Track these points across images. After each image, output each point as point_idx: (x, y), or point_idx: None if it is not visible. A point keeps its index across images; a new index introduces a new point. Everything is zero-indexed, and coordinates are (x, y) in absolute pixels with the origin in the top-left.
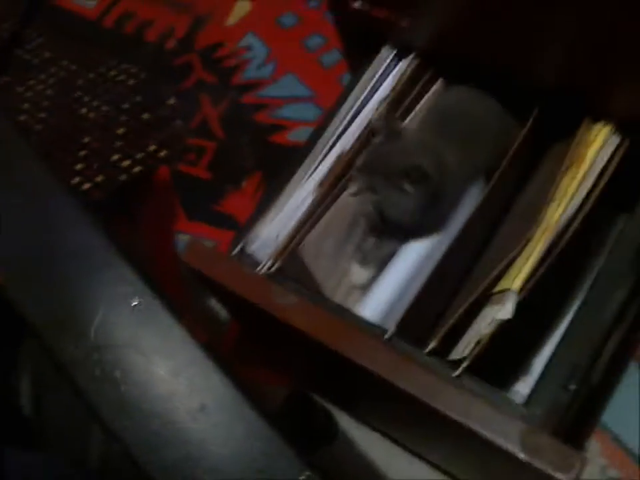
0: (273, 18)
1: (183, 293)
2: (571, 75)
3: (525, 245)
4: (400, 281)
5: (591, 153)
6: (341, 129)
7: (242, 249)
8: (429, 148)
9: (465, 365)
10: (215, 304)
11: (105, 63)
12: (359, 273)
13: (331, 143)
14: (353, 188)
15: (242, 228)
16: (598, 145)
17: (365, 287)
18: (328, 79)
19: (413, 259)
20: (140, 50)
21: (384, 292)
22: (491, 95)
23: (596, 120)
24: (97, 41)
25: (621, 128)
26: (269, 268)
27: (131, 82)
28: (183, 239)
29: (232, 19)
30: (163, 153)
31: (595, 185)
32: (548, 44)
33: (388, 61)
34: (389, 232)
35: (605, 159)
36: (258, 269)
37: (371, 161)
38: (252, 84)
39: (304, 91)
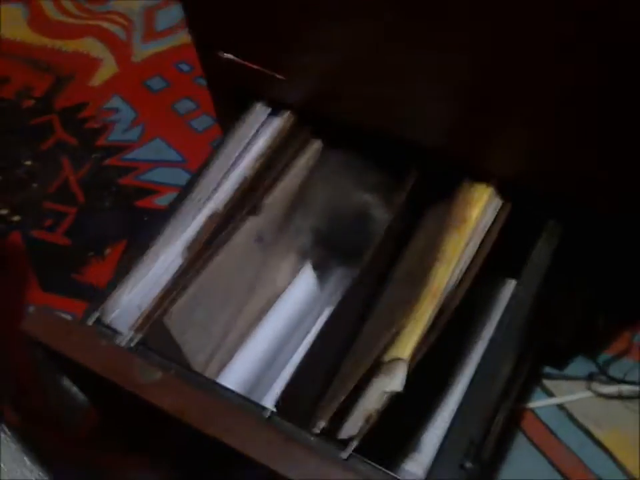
0: (140, 80)
1: (35, 374)
2: (448, 136)
3: (414, 310)
4: (265, 349)
5: (474, 214)
6: (212, 187)
7: (98, 319)
8: None
9: (353, 445)
10: (70, 385)
11: None
12: None
13: (201, 202)
14: None
15: (98, 294)
16: (481, 207)
17: None
18: (199, 143)
19: (279, 323)
20: None
21: (249, 358)
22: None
23: (478, 181)
24: None
25: (502, 190)
26: (130, 340)
27: None
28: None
29: (96, 80)
30: (15, 218)
31: (480, 248)
32: (421, 103)
33: (263, 117)
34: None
35: (489, 221)
36: (117, 341)
37: None
38: (117, 147)
39: (174, 156)
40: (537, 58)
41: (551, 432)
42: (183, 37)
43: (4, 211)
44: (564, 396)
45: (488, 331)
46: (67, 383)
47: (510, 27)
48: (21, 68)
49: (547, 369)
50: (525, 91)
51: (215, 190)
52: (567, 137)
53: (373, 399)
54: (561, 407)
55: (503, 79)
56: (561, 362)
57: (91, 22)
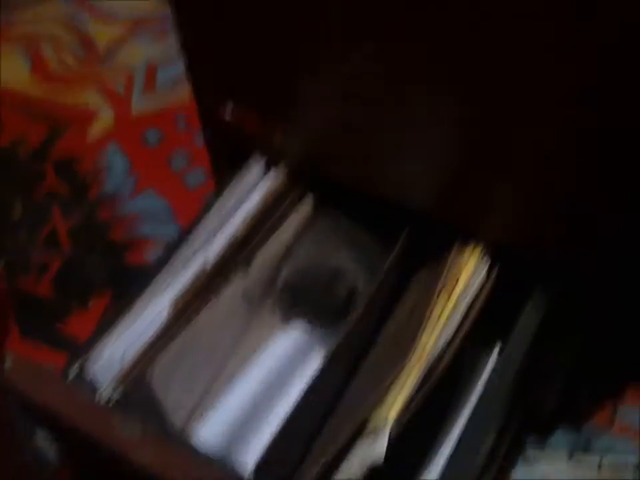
0: (136, 133)
1: (8, 427)
2: (438, 200)
3: (400, 373)
4: (245, 404)
5: (462, 277)
6: (202, 242)
7: (79, 369)
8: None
9: None
10: (42, 440)
11: None
12: None
13: (190, 256)
14: None
15: (81, 345)
16: (470, 270)
17: None
18: (192, 198)
19: (259, 379)
20: None
21: (228, 410)
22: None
23: (466, 243)
24: None
25: (491, 252)
26: (111, 393)
27: None
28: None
29: (93, 131)
30: (0, 266)
31: (467, 312)
32: (412, 168)
33: (257, 174)
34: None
35: (477, 284)
36: (97, 393)
37: None
38: (109, 198)
39: (165, 209)
40: (521, 129)
41: None
42: (183, 93)
43: None
44: (545, 467)
45: (473, 398)
46: (40, 436)
47: (499, 102)
48: (18, 117)
49: (530, 440)
50: (513, 160)
51: (205, 245)
52: (555, 205)
53: (355, 467)
54: (542, 478)
55: (491, 149)
56: (543, 432)
57: (92, 75)
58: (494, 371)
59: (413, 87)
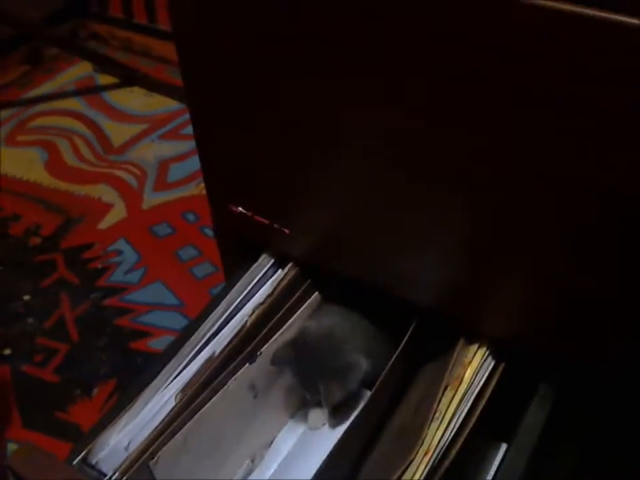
0: (147, 226)
1: None
2: (443, 296)
3: (406, 468)
4: None
5: (468, 374)
6: (212, 331)
7: (84, 458)
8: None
9: None
10: None
11: None
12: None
13: (199, 346)
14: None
15: (86, 433)
16: (474, 367)
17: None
18: (198, 290)
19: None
20: (0, 243)
21: None
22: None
23: (472, 339)
24: None
25: (497, 349)
26: None
27: None
28: (13, 448)
29: (105, 223)
30: (7, 352)
31: (473, 408)
32: (419, 267)
33: (266, 268)
34: None
35: (482, 381)
36: None
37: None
38: (117, 288)
39: (172, 300)
40: (525, 230)
41: None
42: (193, 189)
43: None
44: None
45: None
46: None
47: (510, 200)
48: (33, 207)
49: None
50: (516, 260)
51: (214, 335)
52: (559, 301)
53: None
54: None
55: (498, 251)
56: None
57: (106, 170)
58: (500, 468)
59: (414, 192)
